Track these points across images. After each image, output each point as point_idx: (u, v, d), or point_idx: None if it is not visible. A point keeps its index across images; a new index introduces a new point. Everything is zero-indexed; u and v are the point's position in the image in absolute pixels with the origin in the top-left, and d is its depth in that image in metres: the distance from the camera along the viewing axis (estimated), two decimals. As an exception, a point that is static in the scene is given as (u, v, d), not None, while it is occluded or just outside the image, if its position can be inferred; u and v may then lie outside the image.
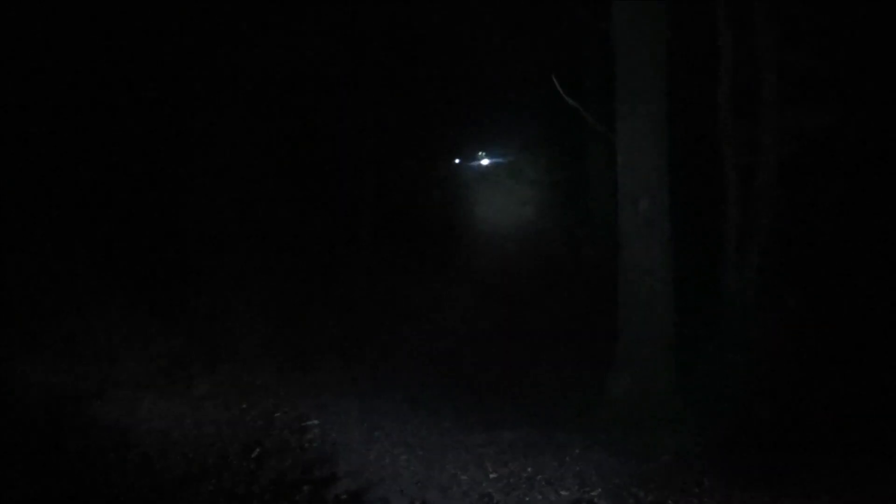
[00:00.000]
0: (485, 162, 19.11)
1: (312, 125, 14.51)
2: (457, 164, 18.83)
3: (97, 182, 11.47)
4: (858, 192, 11.60)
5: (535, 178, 16.66)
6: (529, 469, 7.13)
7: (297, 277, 13.50)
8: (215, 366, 10.06)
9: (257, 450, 7.17)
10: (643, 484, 6.85)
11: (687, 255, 11.80)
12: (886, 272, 10.60)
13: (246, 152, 13.48)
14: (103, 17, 11.37)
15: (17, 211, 10.36)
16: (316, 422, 8.10)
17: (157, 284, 11.31)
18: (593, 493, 6.62)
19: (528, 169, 17.02)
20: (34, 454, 6.69)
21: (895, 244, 10.76)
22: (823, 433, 8.48)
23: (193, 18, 12.24)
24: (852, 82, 11.38)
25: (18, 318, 9.56)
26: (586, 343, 11.16)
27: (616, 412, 8.34)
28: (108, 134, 11.66)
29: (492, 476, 6.93)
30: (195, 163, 12.76)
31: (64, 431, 7.30)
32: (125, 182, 11.81)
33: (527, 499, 6.46)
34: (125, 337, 10.28)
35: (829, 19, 11.01)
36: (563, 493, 6.64)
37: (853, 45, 11.18)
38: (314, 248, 14.24)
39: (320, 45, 14.00)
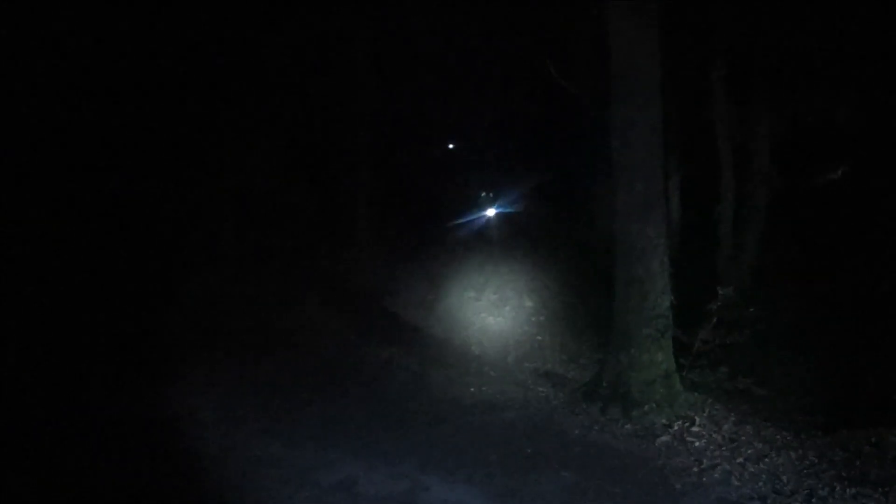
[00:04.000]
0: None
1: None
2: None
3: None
4: (855, 174, 11.66)
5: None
6: (530, 450, 7.24)
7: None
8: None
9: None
10: (642, 464, 6.96)
11: (683, 236, 11.93)
12: (882, 254, 10.66)
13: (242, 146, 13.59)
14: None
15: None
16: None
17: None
18: (593, 474, 6.72)
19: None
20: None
21: (891, 226, 10.82)
22: (819, 413, 8.58)
23: (188, 11, 12.25)
24: (847, 66, 11.41)
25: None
26: (584, 325, 11.27)
27: (614, 393, 8.40)
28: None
29: (492, 457, 7.03)
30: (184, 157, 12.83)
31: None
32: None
33: (528, 478, 6.56)
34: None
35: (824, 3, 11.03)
36: (563, 473, 6.74)
37: (849, 30, 11.21)
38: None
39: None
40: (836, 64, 11.27)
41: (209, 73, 12.74)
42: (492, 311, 12.46)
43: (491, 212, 16.45)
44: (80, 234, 11.12)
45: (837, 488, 6.34)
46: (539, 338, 11.56)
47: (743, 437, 7.57)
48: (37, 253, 10.57)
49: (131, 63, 11.86)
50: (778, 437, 7.65)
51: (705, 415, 8.13)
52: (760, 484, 6.51)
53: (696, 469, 6.85)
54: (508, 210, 16.41)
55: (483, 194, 16.92)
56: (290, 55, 14.13)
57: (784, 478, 6.60)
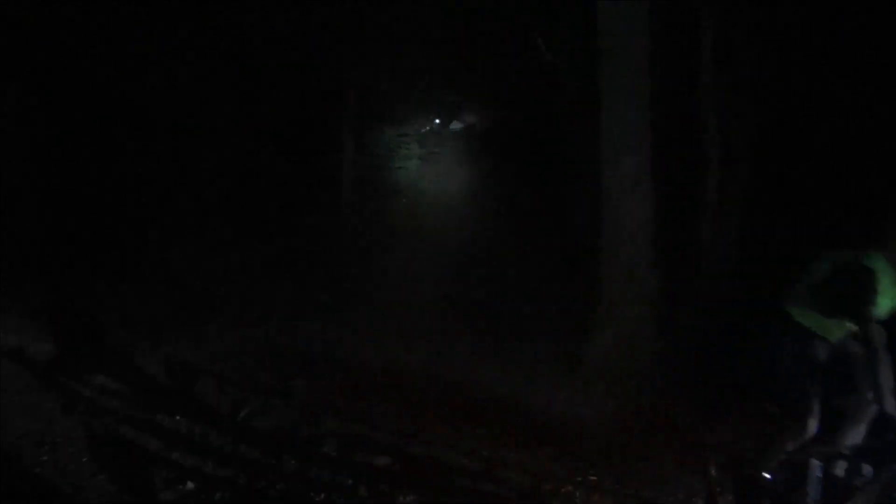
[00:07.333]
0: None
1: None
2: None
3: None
4: (837, 159, 11.68)
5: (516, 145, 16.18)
6: (511, 425, 7.20)
7: (275, 241, 13.49)
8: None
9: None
10: (625, 441, 6.94)
11: (668, 217, 11.90)
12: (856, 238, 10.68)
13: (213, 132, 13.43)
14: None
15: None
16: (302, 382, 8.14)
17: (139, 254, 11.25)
18: (574, 451, 6.70)
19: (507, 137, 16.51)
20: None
21: (872, 211, 10.83)
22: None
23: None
24: (833, 51, 11.40)
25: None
26: (570, 302, 11.22)
27: (598, 370, 8.38)
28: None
29: (479, 431, 6.99)
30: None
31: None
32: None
33: (511, 453, 6.51)
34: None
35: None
36: (546, 448, 6.71)
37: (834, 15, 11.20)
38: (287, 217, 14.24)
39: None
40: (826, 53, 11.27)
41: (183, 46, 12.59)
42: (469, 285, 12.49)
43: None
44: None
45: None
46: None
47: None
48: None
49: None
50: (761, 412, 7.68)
51: (689, 394, 8.13)
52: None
53: (678, 445, 6.83)
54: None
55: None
56: (269, 27, 13.92)
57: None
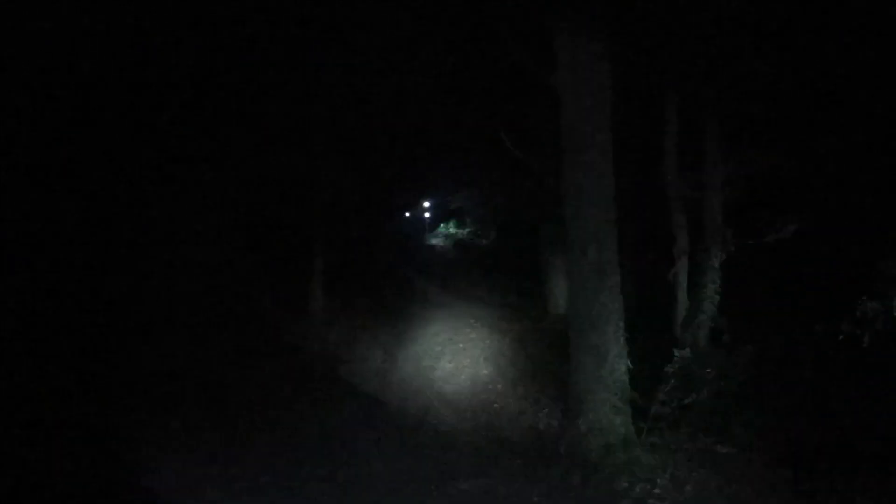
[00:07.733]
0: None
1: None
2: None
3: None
4: (806, 230, 11.87)
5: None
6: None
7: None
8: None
9: None
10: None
11: (639, 300, 12.05)
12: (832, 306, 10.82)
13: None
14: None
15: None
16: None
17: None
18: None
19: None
20: None
21: (845, 277, 11.00)
22: (783, 467, 8.63)
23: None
24: (793, 125, 11.69)
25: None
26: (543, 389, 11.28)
27: (573, 458, 8.40)
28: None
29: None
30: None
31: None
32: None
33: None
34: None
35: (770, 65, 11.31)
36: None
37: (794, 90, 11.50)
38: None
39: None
40: (785, 123, 11.52)
41: (165, 141, 12.73)
42: (448, 379, 12.44)
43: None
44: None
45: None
46: (496, 405, 11.53)
47: (706, 497, 7.59)
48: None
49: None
50: (742, 494, 7.69)
51: (667, 476, 8.11)
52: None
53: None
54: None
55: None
56: (246, 125, 14.14)
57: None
